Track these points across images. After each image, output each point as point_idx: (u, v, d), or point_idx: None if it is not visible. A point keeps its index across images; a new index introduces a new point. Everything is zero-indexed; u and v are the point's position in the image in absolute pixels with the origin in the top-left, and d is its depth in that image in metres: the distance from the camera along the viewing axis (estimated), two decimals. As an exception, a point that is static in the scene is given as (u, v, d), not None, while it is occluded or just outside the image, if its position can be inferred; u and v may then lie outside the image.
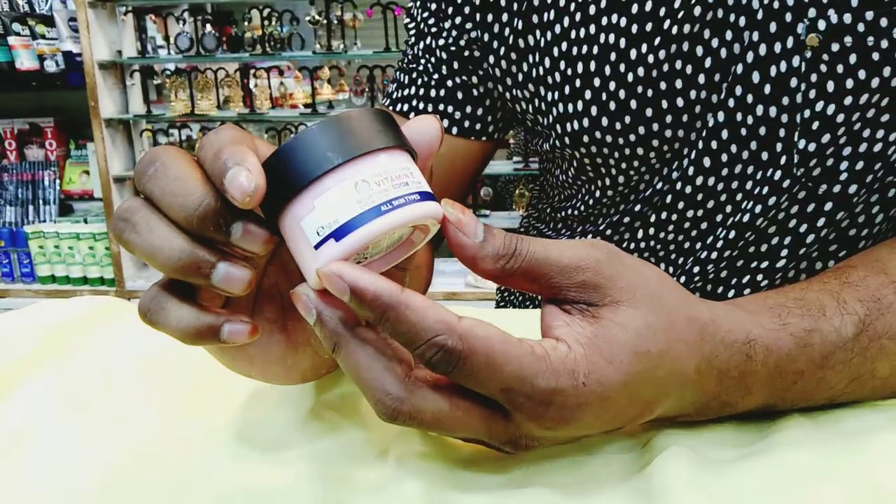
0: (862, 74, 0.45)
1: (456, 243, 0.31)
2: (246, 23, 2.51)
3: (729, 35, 0.48)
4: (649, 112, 0.51)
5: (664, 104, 0.50)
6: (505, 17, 0.56)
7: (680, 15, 0.49)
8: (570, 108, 0.53)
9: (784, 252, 0.52)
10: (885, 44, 0.45)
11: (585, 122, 0.53)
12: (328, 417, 0.39)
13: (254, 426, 0.38)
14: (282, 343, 0.35)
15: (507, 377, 0.29)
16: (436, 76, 0.60)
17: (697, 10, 0.48)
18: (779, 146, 0.49)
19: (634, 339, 0.31)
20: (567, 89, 0.53)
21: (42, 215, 2.70)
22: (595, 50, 0.52)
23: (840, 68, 0.46)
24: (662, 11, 0.49)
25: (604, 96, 0.51)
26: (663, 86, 0.50)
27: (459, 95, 0.60)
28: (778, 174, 0.49)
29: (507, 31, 0.56)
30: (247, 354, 0.35)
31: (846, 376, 0.37)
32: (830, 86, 0.46)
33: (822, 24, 0.45)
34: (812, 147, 0.48)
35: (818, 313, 0.36)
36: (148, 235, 0.29)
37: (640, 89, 0.50)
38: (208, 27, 2.47)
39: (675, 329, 0.32)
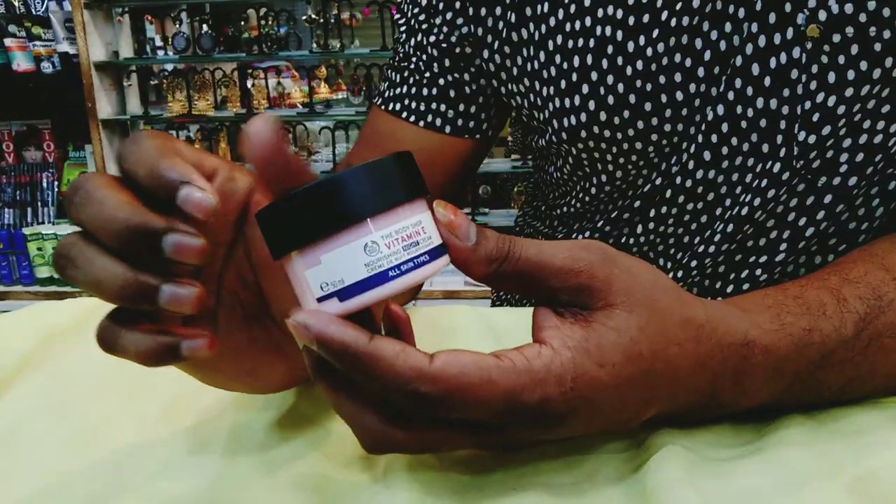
0: (863, 65, 0.45)
1: (448, 246, 0.30)
2: (243, 23, 2.51)
3: (728, 27, 0.48)
4: (648, 106, 0.50)
5: (663, 98, 0.49)
6: (498, 10, 0.55)
7: (678, 6, 0.48)
8: (567, 102, 0.52)
9: (783, 246, 0.51)
10: (887, 34, 0.44)
11: (583, 117, 0.52)
12: (317, 422, 0.39)
13: (244, 431, 0.38)
14: (249, 353, 0.35)
15: (492, 403, 0.28)
16: (427, 74, 0.60)
17: (696, 2, 0.48)
18: (779, 138, 0.48)
19: (627, 342, 0.30)
20: (563, 84, 0.52)
21: (40, 217, 2.70)
22: (591, 43, 0.51)
23: (841, 59, 0.45)
24: (659, 3, 0.49)
25: (601, 90, 0.51)
26: (662, 79, 0.49)
27: (451, 93, 0.59)
28: (777, 167, 0.49)
29: (500, 24, 0.55)
30: (216, 368, 0.34)
31: (846, 375, 0.36)
32: (831, 77, 0.46)
33: (822, 15, 0.45)
34: (812, 139, 0.47)
35: (818, 312, 0.36)
36: (88, 268, 0.29)
37: (638, 83, 0.50)
38: (205, 27, 2.46)
39: (670, 332, 0.31)
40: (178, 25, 2.49)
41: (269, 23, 2.48)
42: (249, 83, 2.59)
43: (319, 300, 0.28)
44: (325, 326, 0.27)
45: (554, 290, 0.31)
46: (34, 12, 2.57)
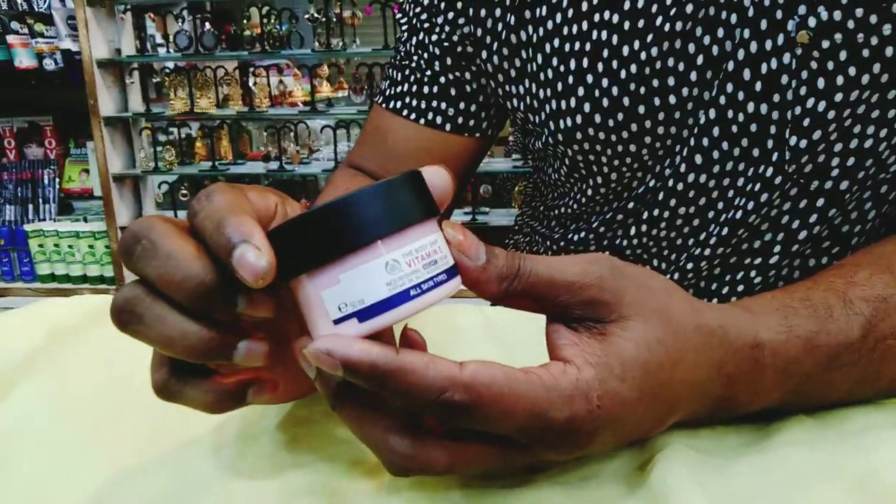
0: (852, 71, 0.46)
1: (458, 267, 0.30)
2: (245, 21, 2.51)
3: (720, 32, 0.48)
4: (641, 109, 0.51)
5: (656, 101, 0.50)
6: (498, 11, 0.56)
7: (672, 12, 0.49)
8: (563, 104, 0.53)
9: (777, 249, 0.52)
10: (874, 40, 0.45)
11: (578, 119, 0.53)
12: (324, 429, 0.38)
13: (249, 436, 0.38)
14: (278, 370, 0.34)
15: (520, 416, 0.28)
16: (428, 73, 0.60)
17: (689, 8, 0.48)
18: (770, 143, 0.49)
19: (645, 354, 0.30)
20: (560, 86, 0.53)
21: (42, 214, 2.71)
22: (587, 46, 0.52)
23: (830, 65, 0.46)
24: (654, 8, 0.49)
25: (596, 93, 0.52)
26: (655, 83, 0.50)
27: (452, 92, 0.60)
28: (769, 171, 0.49)
29: (499, 26, 0.56)
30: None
31: (852, 377, 0.37)
32: (821, 83, 0.46)
33: (812, 21, 0.45)
34: (803, 144, 0.48)
35: (825, 314, 0.36)
36: (159, 327, 0.28)
37: (632, 86, 0.50)
38: (207, 25, 2.47)
39: (684, 340, 0.32)
40: (179, 23, 2.49)
41: (271, 21, 2.48)
42: (251, 81, 2.58)
43: (336, 322, 0.27)
44: (348, 349, 0.27)
45: (566, 305, 0.31)
46: (37, 9, 2.58)
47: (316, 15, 2.44)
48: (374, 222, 0.27)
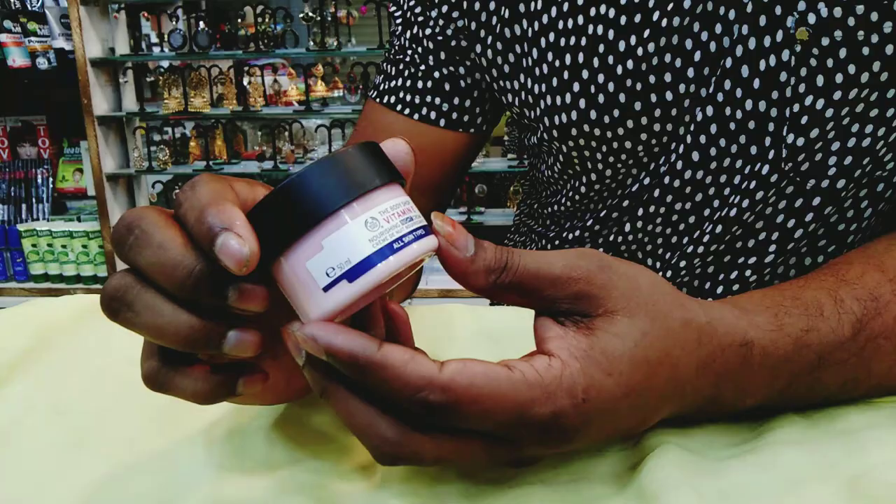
0: (851, 69, 0.45)
1: (447, 258, 0.30)
2: (239, 20, 2.51)
3: (718, 28, 0.48)
4: (638, 105, 0.50)
5: (653, 97, 0.50)
6: (492, 5, 0.55)
7: (669, 7, 0.48)
8: (558, 100, 0.53)
9: (772, 247, 0.52)
10: (875, 38, 0.44)
11: (573, 115, 0.52)
12: (314, 427, 0.38)
13: (239, 435, 0.38)
14: (273, 369, 0.34)
15: (502, 415, 0.28)
16: (423, 67, 0.60)
17: (687, 3, 0.48)
18: (767, 140, 0.48)
19: (632, 348, 0.30)
20: (555, 81, 0.53)
21: (35, 213, 2.70)
22: (583, 41, 0.51)
23: (829, 62, 0.45)
24: (651, 3, 0.49)
25: (592, 89, 0.51)
26: (652, 79, 0.49)
27: (447, 87, 0.59)
28: (766, 168, 0.49)
29: (493, 19, 0.55)
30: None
31: (843, 376, 0.37)
32: (820, 80, 0.46)
33: (811, 18, 0.45)
34: (800, 142, 0.47)
35: (815, 313, 0.36)
36: (149, 315, 0.28)
37: (628, 82, 0.50)
38: (202, 24, 2.46)
39: (672, 335, 0.31)
40: (174, 22, 2.48)
41: (266, 20, 2.48)
42: (246, 81, 2.58)
43: (326, 288, 0.27)
44: (332, 337, 0.27)
45: (553, 298, 0.31)
46: (30, 8, 2.56)
47: (311, 14, 2.44)
48: (346, 185, 0.28)
